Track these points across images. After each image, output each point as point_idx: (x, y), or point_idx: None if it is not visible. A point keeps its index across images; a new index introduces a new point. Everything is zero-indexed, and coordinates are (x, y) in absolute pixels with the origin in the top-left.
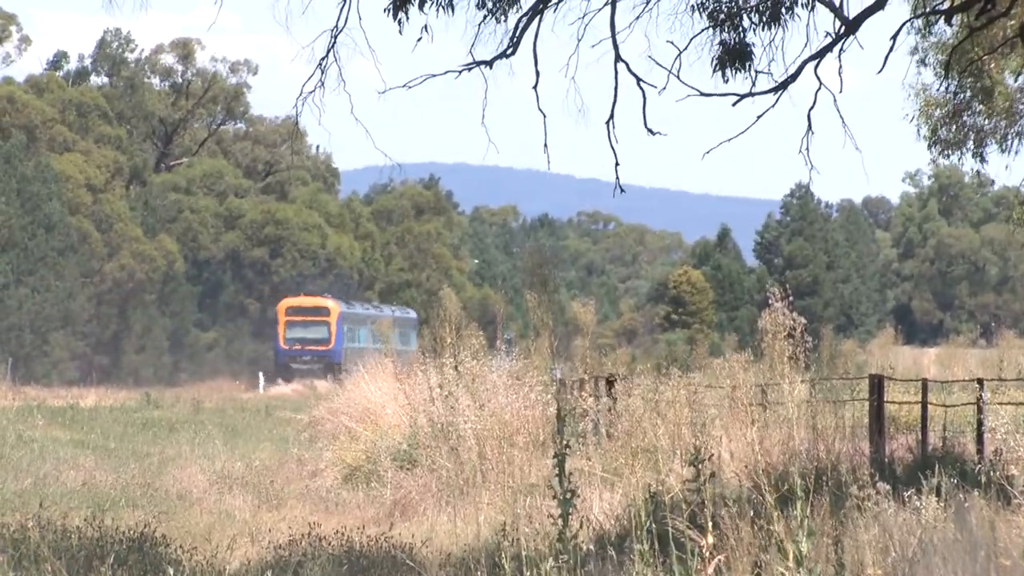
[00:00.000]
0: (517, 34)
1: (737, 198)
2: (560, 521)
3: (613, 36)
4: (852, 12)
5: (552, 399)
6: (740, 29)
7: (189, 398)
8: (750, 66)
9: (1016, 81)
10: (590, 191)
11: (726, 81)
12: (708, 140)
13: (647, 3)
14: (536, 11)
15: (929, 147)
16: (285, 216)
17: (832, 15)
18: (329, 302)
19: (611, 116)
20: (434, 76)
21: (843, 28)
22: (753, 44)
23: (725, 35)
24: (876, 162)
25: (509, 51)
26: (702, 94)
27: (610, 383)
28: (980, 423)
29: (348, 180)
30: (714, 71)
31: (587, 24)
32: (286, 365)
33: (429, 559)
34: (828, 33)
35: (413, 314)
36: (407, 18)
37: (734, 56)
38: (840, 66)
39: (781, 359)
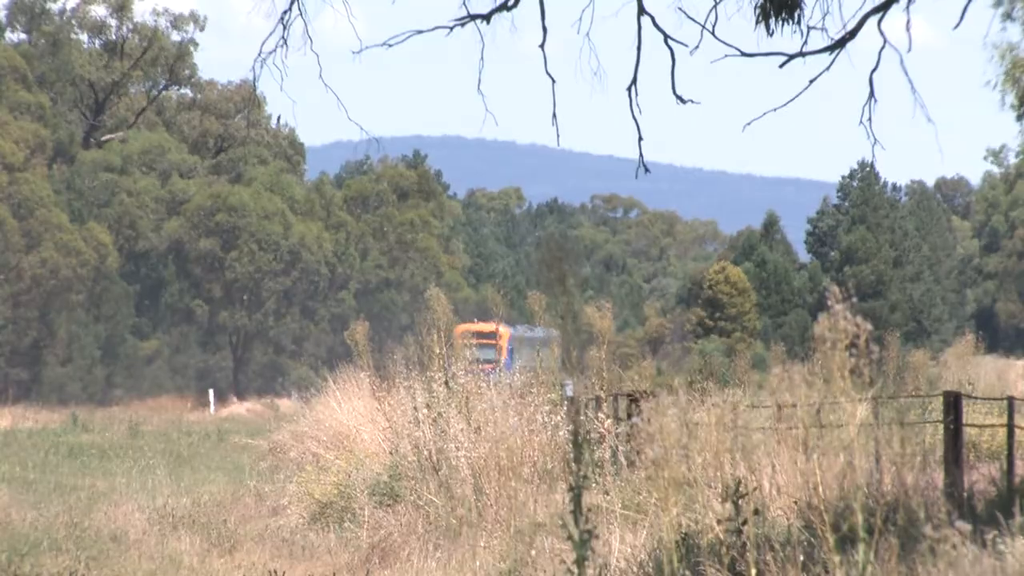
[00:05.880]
0: None
1: (785, 179)
2: (575, 568)
3: None
4: None
5: (563, 420)
6: None
7: (125, 419)
8: (800, 19)
9: None
10: (608, 171)
11: (770, 35)
12: (750, 110)
13: None
14: None
15: (1017, 118)
16: (240, 201)
17: None
18: (501, 327)
19: (633, 81)
20: (421, 33)
21: None
22: None
23: None
24: (952, 136)
25: (510, 2)
26: (743, 54)
27: (634, 401)
28: None
29: (316, 158)
30: (756, 24)
31: None
32: None
33: None
34: None
35: None
36: None
37: (780, 6)
38: (908, 19)
39: (842, 373)
